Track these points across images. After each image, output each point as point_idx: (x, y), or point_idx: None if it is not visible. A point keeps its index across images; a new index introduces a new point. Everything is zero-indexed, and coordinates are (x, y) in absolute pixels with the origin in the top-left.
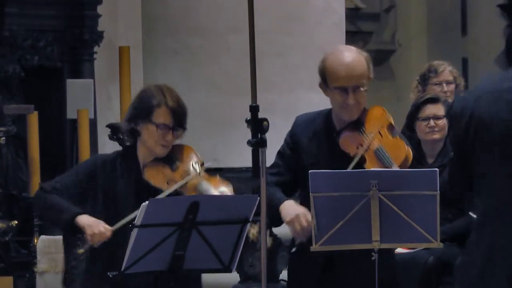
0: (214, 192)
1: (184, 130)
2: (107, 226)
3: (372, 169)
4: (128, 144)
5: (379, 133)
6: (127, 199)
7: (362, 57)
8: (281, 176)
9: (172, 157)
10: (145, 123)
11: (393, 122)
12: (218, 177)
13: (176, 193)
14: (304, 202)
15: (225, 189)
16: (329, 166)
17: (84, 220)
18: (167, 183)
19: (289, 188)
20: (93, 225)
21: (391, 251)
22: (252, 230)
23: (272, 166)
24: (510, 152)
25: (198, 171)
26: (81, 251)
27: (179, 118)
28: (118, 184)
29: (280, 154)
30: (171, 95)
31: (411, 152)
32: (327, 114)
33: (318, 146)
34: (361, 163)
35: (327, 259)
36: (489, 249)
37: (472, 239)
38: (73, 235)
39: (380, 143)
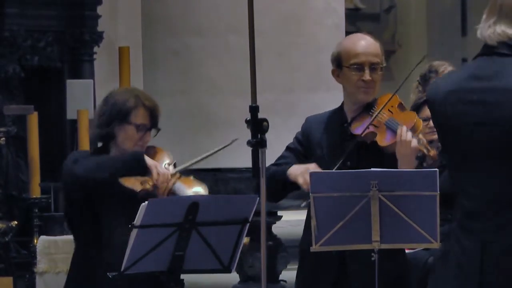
0: (189, 193)
1: (158, 130)
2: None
3: (372, 169)
4: (98, 146)
5: (389, 111)
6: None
7: (377, 42)
8: (286, 165)
9: None
10: (122, 125)
11: (403, 103)
12: (192, 177)
13: (147, 194)
14: None
15: (200, 189)
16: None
17: (150, 159)
18: (141, 183)
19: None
20: (158, 165)
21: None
22: (245, 240)
23: (278, 158)
24: (470, 154)
25: (171, 172)
26: (140, 187)
27: (155, 118)
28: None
29: (288, 148)
30: (145, 96)
31: (421, 122)
32: (338, 109)
33: (330, 138)
34: (374, 142)
35: (339, 258)
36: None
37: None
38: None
39: (390, 116)
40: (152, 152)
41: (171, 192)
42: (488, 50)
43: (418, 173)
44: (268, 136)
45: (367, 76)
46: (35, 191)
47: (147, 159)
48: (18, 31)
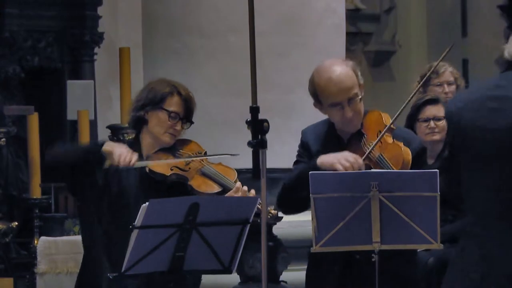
0: (220, 174)
1: (191, 124)
2: (131, 151)
3: (372, 170)
4: (130, 138)
5: (380, 142)
6: (132, 192)
7: (348, 68)
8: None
9: (176, 148)
10: (155, 110)
11: (391, 123)
12: (221, 163)
13: (178, 177)
14: None
15: (230, 169)
16: None
17: (110, 144)
18: (171, 169)
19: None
20: (121, 145)
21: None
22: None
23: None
24: (491, 161)
25: (201, 158)
26: (108, 163)
27: (189, 110)
28: (122, 178)
29: (297, 162)
30: (182, 86)
31: (409, 153)
32: (332, 125)
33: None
34: None
35: (346, 258)
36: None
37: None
38: (99, 164)
39: (380, 150)
40: (183, 143)
41: (203, 174)
42: None
43: (418, 174)
44: (268, 136)
45: (348, 113)
46: (36, 192)
47: (108, 144)
48: (18, 32)
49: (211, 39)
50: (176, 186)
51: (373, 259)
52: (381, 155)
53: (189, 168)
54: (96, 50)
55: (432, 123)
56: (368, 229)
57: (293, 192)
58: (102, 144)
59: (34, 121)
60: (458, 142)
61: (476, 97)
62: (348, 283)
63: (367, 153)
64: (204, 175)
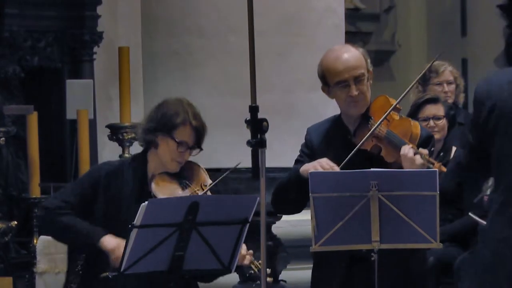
0: None
1: (200, 150)
2: None
3: (372, 169)
4: (139, 152)
5: (387, 119)
6: (130, 208)
7: (356, 51)
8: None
9: (182, 174)
10: (166, 137)
11: (398, 105)
12: None
13: None
14: None
15: None
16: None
17: (109, 242)
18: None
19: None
20: (119, 248)
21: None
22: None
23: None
24: None
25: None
26: (105, 274)
27: (199, 138)
28: (122, 192)
29: (297, 161)
30: (194, 114)
31: (418, 126)
32: (337, 118)
33: (335, 151)
34: (377, 154)
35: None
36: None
37: (487, 225)
38: (94, 255)
39: (387, 127)
40: (190, 168)
41: None
42: None
43: (418, 173)
44: (267, 136)
45: (353, 91)
46: (35, 191)
47: (106, 242)
48: (18, 32)
49: (210, 39)
50: None
51: (372, 258)
52: (389, 130)
53: None
54: (95, 49)
55: (431, 122)
56: (367, 228)
57: (283, 193)
58: (100, 237)
59: (33, 120)
60: (493, 121)
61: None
62: (353, 283)
63: (373, 129)
64: None
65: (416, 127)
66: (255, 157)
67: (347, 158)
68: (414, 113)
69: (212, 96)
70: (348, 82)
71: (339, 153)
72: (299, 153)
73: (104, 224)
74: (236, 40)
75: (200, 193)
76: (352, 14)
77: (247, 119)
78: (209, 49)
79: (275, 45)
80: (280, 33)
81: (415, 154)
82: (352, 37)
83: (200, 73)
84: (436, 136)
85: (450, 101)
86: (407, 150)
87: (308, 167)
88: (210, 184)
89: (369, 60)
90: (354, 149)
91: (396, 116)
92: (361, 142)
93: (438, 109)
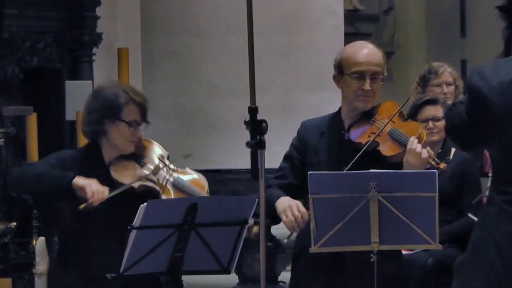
0: (192, 186)
1: (148, 124)
2: (102, 186)
3: (371, 170)
4: (88, 142)
5: (392, 121)
6: (103, 210)
7: (380, 51)
8: (284, 179)
9: (137, 153)
10: (114, 121)
11: (400, 108)
12: (187, 168)
13: (146, 189)
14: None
15: (197, 177)
16: (339, 163)
17: (81, 180)
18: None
19: (292, 191)
20: (92, 184)
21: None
22: (255, 229)
23: (278, 169)
24: None
25: (168, 165)
26: (82, 206)
27: (145, 112)
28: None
29: (286, 157)
30: (133, 90)
31: (425, 134)
32: (335, 114)
33: (327, 144)
34: (374, 150)
35: (332, 260)
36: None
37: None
38: (68, 200)
39: (393, 126)
40: (141, 144)
41: (174, 187)
42: None
43: (417, 174)
44: (267, 137)
45: (367, 85)
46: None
47: (77, 182)
48: (17, 32)
49: (210, 39)
50: (147, 195)
51: (371, 259)
52: (395, 128)
53: (158, 178)
54: (94, 50)
55: (431, 124)
56: (367, 229)
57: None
58: (71, 178)
59: (33, 121)
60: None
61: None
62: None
63: (382, 128)
64: (175, 187)
65: (423, 132)
66: (254, 158)
67: (352, 161)
68: (413, 114)
69: (212, 96)
70: (365, 75)
71: (329, 146)
72: (290, 147)
73: (73, 213)
74: (235, 41)
75: (162, 167)
76: (351, 15)
77: (247, 120)
78: (209, 50)
79: (274, 46)
80: (279, 34)
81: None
82: (351, 38)
83: (199, 74)
84: (435, 137)
85: (450, 102)
86: (414, 142)
87: (280, 209)
88: (168, 157)
89: (386, 66)
90: (360, 151)
91: (401, 120)
92: (366, 142)
93: (437, 110)
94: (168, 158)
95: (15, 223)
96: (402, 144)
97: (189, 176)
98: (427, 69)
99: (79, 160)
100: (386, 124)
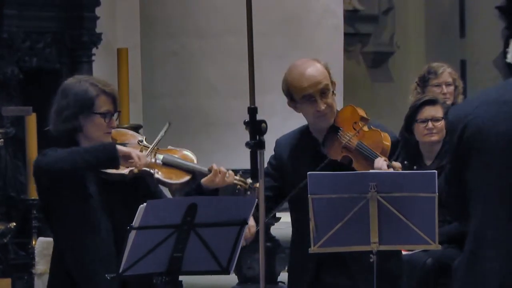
0: (183, 161)
1: (119, 113)
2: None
3: (371, 171)
4: (64, 143)
5: (355, 129)
6: (95, 200)
7: (318, 64)
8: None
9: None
10: (88, 116)
11: (365, 115)
12: (169, 147)
13: (140, 172)
14: (296, 226)
15: (187, 152)
16: None
17: (122, 147)
18: (127, 167)
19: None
20: (134, 149)
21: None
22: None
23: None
24: (507, 164)
25: (151, 146)
26: (127, 171)
27: (116, 102)
28: (85, 186)
29: (265, 174)
30: (102, 82)
31: (388, 138)
32: (305, 130)
33: (304, 163)
34: (348, 165)
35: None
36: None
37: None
38: (115, 166)
39: (358, 139)
40: (119, 134)
41: (168, 164)
42: None
43: (417, 175)
44: (266, 137)
45: (321, 106)
46: (34, 193)
47: (120, 148)
48: (17, 33)
49: (209, 40)
50: (137, 182)
51: (371, 260)
52: (361, 142)
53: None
54: (94, 51)
55: (430, 124)
56: (366, 230)
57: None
58: (114, 145)
59: (32, 122)
60: (466, 146)
61: (489, 100)
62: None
63: (344, 143)
64: (167, 164)
65: (386, 139)
66: (253, 158)
67: (318, 168)
68: (412, 115)
69: (211, 97)
70: (314, 97)
71: (308, 164)
72: (267, 165)
73: (76, 218)
74: (235, 41)
75: (145, 154)
76: (350, 16)
77: (246, 120)
78: (208, 50)
79: (274, 46)
80: (279, 34)
81: (388, 167)
82: (350, 39)
83: (198, 74)
84: (435, 137)
85: (449, 102)
86: (380, 163)
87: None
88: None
89: (330, 72)
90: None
91: (366, 128)
92: (340, 158)
93: (436, 111)
94: (146, 141)
95: (14, 223)
96: (370, 159)
97: (177, 153)
98: (427, 69)
99: None
100: (350, 139)
